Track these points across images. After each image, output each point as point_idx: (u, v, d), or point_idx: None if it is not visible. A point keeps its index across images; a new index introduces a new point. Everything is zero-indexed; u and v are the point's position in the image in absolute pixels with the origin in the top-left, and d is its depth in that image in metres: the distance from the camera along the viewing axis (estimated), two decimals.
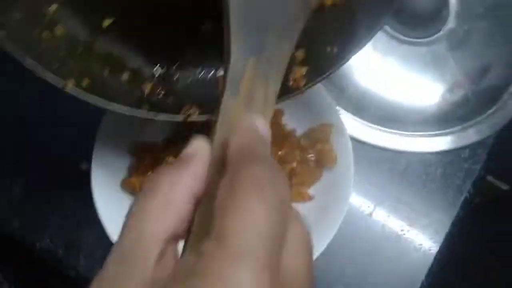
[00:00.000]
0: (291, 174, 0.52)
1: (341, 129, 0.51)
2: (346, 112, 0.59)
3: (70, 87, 0.31)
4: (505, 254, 0.72)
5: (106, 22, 0.36)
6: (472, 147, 0.58)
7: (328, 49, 0.36)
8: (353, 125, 0.58)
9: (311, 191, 0.53)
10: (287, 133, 0.53)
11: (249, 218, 0.17)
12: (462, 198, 0.56)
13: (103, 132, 0.49)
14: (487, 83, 0.62)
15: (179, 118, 0.34)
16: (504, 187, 0.85)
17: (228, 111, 0.24)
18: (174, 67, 0.38)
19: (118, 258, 0.18)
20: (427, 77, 0.61)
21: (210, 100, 0.27)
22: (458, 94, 0.60)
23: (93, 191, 0.47)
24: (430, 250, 0.54)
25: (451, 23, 0.62)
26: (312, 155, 0.52)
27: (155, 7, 0.37)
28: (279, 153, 0.51)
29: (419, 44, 0.62)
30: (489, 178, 0.84)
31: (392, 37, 0.62)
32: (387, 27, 0.62)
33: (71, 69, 0.32)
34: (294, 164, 0.51)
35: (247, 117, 0.23)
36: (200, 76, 0.38)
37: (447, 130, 0.59)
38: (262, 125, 0.22)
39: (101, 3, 0.36)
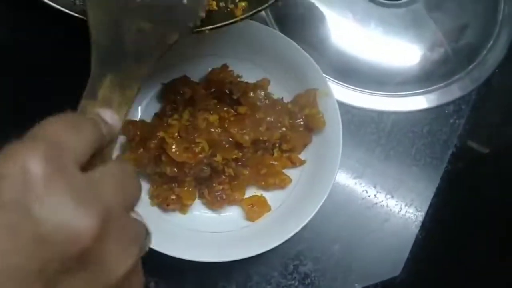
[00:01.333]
0: (282, 140, 0.52)
1: (327, 92, 0.52)
2: (330, 77, 0.59)
3: None
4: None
5: None
6: (456, 103, 0.59)
7: None
8: (337, 90, 0.59)
9: (302, 156, 0.53)
10: (274, 100, 0.53)
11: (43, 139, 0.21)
12: (449, 153, 0.57)
13: None
14: (466, 40, 0.63)
15: None
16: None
17: (86, 110, 0.29)
18: None
19: None
20: (407, 38, 0.62)
21: None
22: (439, 53, 0.61)
23: None
24: (421, 206, 0.55)
25: None
26: (301, 120, 0.53)
27: None
28: (268, 119, 0.51)
29: (397, 5, 0.62)
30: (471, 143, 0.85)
31: (370, 0, 0.63)
32: None
33: None
34: (284, 129, 0.52)
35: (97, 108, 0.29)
36: None
37: (430, 88, 0.60)
38: (108, 115, 0.28)
39: None
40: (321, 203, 0.49)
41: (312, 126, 0.52)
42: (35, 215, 0.18)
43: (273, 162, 0.52)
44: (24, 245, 0.17)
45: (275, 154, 0.53)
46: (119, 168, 0.24)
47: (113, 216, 0.21)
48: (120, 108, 0.30)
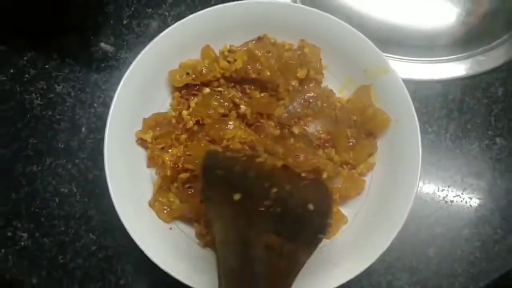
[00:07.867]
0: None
1: (387, 69, 0.43)
2: None
3: None
4: None
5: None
6: None
7: None
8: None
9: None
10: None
11: None
12: None
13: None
14: None
15: None
16: None
17: None
18: None
19: None
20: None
21: None
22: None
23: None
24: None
25: None
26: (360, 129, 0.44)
27: None
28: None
29: None
30: None
31: None
32: None
33: None
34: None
35: None
36: None
37: (494, 43, 0.51)
38: None
39: None
40: (409, 209, 0.40)
41: (374, 131, 0.43)
42: None
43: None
44: None
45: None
46: None
47: None
48: None
